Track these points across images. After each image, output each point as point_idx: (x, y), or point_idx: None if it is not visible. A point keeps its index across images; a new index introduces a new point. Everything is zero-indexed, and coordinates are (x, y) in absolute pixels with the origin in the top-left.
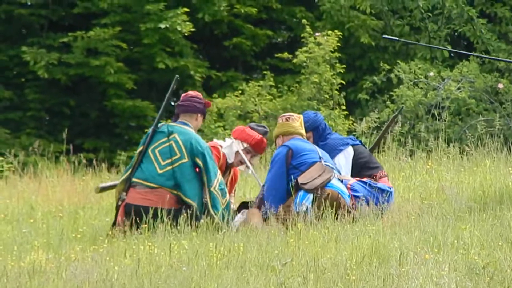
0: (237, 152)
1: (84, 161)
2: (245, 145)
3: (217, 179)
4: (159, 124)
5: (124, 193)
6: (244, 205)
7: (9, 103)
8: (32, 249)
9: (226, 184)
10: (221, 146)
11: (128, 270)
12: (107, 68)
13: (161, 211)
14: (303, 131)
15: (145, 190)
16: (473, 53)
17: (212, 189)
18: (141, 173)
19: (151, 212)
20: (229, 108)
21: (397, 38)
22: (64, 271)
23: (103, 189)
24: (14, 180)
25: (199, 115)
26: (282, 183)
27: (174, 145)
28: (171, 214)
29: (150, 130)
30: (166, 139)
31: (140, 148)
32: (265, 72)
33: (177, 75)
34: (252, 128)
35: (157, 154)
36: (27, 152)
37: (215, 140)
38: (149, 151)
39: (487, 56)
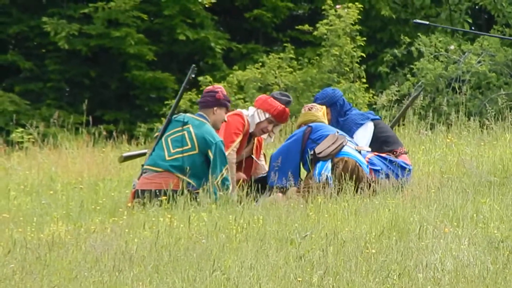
0: (259, 122)
1: (104, 132)
2: (267, 115)
3: (222, 174)
4: (176, 114)
5: (137, 180)
6: (260, 181)
7: (29, 74)
8: (52, 220)
9: (252, 151)
10: (246, 115)
11: (147, 242)
12: (128, 39)
13: (165, 193)
14: (325, 120)
15: (153, 174)
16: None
17: (215, 183)
18: (151, 160)
19: (155, 194)
20: (250, 80)
21: (427, 22)
22: (83, 243)
23: (126, 158)
24: (34, 151)
25: (215, 108)
26: (293, 155)
27: (186, 135)
28: (176, 195)
29: (166, 119)
30: (180, 128)
31: (156, 134)
32: (285, 44)
33: (193, 65)
34: (275, 98)
35: (169, 142)
36: (47, 123)
37: (238, 109)
38: (163, 138)
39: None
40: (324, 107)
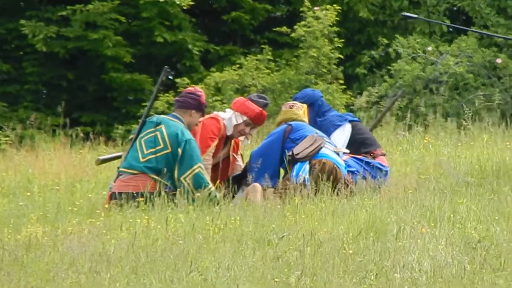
0: (236, 125)
1: (81, 134)
2: (245, 117)
3: (193, 170)
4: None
5: (113, 182)
6: (237, 179)
7: (7, 76)
8: (29, 222)
9: (229, 152)
10: (222, 118)
11: (124, 243)
12: (106, 42)
13: (142, 194)
14: (306, 119)
15: (129, 177)
16: (498, 35)
17: (182, 179)
18: (126, 162)
19: (132, 196)
20: (227, 82)
21: (416, 16)
22: (60, 244)
23: (103, 161)
24: (11, 153)
25: (193, 111)
26: (274, 154)
27: (159, 135)
28: (153, 197)
29: (141, 120)
30: (153, 129)
31: (131, 137)
32: (263, 46)
33: (166, 67)
34: (252, 100)
35: (143, 143)
36: (25, 125)
37: (215, 112)
38: (137, 140)
39: (502, 36)
40: (305, 105)
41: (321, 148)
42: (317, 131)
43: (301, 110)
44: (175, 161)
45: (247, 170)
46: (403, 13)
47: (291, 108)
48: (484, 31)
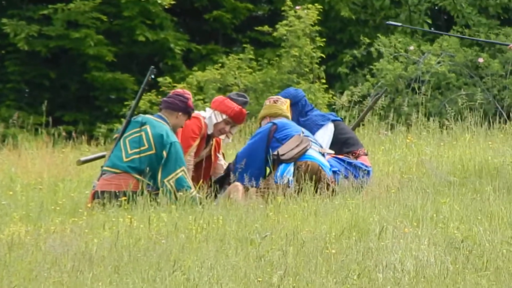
0: (216, 124)
1: (64, 133)
2: (224, 116)
3: (176, 174)
4: (135, 116)
5: (96, 181)
6: (220, 181)
7: None
8: (11, 221)
9: (211, 151)
10: (204, 117)
11: (107, 243)
12: (87, 41)
13: (125, 193)
14: (289, 115)
15: (112, 176)
16: (483, 39)
17: (165, 181)
18: (109, 161)
19: (114, 195)
20: (209, 81)
21: (400, 24)
22: (43, 243)
23: (84, 162)
24: None
25: (180, 113)
26: (259, 153)
27: (144, 136)
28: (136, 196)
29: (125, 120)
30: (138, 129)
31: (115, 136)
32: (245, 45)
33: (152, 66)
34: (231, 99)
35: (127, 143)
36: (7, 124)
37: (196, 111)
38: (121, 140)
39: (492, 41)
40: (288, 100)
41: (307, 150)
42: (303, 129)
43: (285, 105)
44: (159, 162)
45: (231, 170)
46: (387, 22)
47: (275, 102)
48: (472, 35)
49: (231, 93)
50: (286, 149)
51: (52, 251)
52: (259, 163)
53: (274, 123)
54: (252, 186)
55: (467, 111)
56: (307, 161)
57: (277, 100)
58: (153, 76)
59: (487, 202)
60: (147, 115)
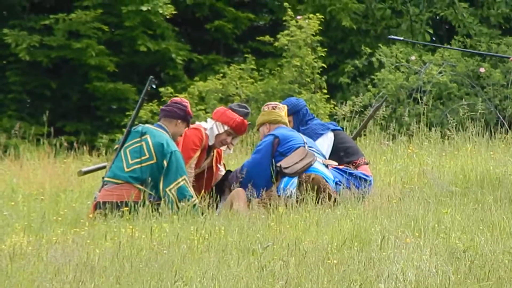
0: (217, 135)
1: (65, 144)
2: (226, 127)
3: (177, 183)
4: (135, 125)
5: (98, 192)
6: (219, 188)
7: None
8: (13, 231)
9: (212, 162)
10: (205, 128)
11: (109, 253)
12: (89, 51)
13: (127, 205)
14: (287, 120)
15: (113, 186)
16: (484, 52)
17: (167, 190)
18: (111, 172)
19: (116, 205)
20: (211, 91)
21: (402, 38)
22: (45, 254)
23: (86, 173)
24: None
25: (179, 121)
26: (266, 170)
27: (144, 146)
28: (137, 207)
29: (126, 130)
30: (138, 139)
31: (116, 146)
32: (246, 55)
33: (151, 76)
34: (233, 110)
35: (128, 153)
36: (9, 134)
37: (197, 122)
38: (122, 150)
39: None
40: (286, 106)
41: (311, 165)
42: (305, 139)
43: (283, 111)
44: (160, 172)
45: (232, 178)
46: (389, 36)
47: (273, 109)
48: (473, 45)
49: (232, 104)
50: (290, 163)
51: (54, 261)
52: (266, 177)
53: (276, 136)
54: (254, 197)
55: (468, 121)
56: (311, 174)
57: (275, 107)
58: (154, 86)
59: (488, 212)
60: (147, 125)
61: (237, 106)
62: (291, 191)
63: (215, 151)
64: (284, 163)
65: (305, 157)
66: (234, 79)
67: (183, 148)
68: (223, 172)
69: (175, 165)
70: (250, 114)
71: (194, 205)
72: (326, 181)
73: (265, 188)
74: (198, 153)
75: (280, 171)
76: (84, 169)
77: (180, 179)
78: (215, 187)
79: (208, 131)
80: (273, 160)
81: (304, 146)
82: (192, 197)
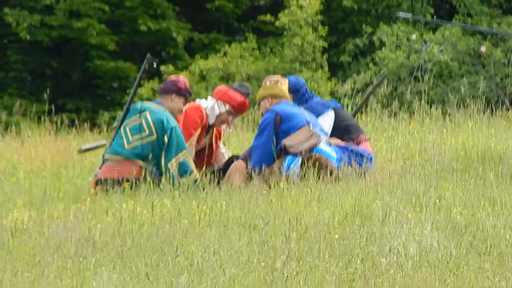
0: (219, 114)
1: (67, 121)
2: (228, 106)
3: (178, 158)
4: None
5: (98, 169)
6: (226, 169)
7: None
8: (15, 207)
9: (211, 142)
10: (205, 107)
11: (110, 228)
12: (90, 30)
13: (128, 180)
14: (288, 95)
15: (114, 163)
16: (495, 31)
17: (168, 165)
18: (111, 149)
19: (117, 182)
20: (212, 70)
21: (410, 15)
22: (46, 229)
23: (85, 151)
24: None
25: (173, 95)
26: (270, 149)
27: (144, 122)
28: (139, 183)
29: (125, 108)
30: (137, 116)
31: (115, 124)
32: (247, 34)
33: (148, 54)
34: (234, 89)
35: (127, 130)
36: (10, 112)
37: (197, 100)
38: (121, 128)
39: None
40: (287, 81)
41: (316, 146)
42: (308, 117)
43: (285, 87)
44: (161, 148)
45: (246, 159)
46: (397, 14)
47: (276, 83)
48: (474, 24)
49: (233, 83)
50: (295, 141)
51: (55, 236)
52: (272, 157)
53: (277, 113)
54: (256, 174)
55: (469, 99)
56: (315, 154)
57: (277, 81)
58: (154, 65)
59: (490, 187)
60: (145, 102)
61: (238, 85)
62: (295, 170)
63: (214, 129)
64: (288, 141)
65: (310, 137)
66: (235, 57)
67: (183, 126)
68: (223, 149)
69: (176, 141)
70: (252, 92)
71: (196, 181)
72: (330, 161)
73: (267, 165)
74: (198, 131)
75: (284, 149)
76: (84, 147)
77: (180, 154)
78: (221, 171)
79: (208, 110)
80: (274, 139)
81: (308, 125)
82: (193, 171)
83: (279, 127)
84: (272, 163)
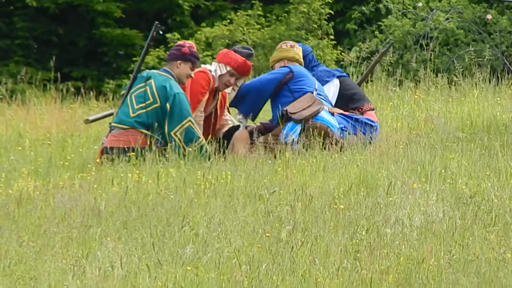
0: (220, 76)
1: (72, 89)
2: (228, 68)
3: (182, 125)
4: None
5: (105, 138)
6: (228, 136)
7: None
8: (20, 176)
9: (216, 108)
10: (210, 71)
11: (115, 198)
12: None
13: (134, 150)
14: (302, 62)
15: (119, 132)
16: None
17: (172, 133)
18: (117, 118)
19: (123, 151)
20: (218, 37)
21: None
22: (52, 198)
23: (92, 121)
24: (2, 107)
25: (179, 61)
26: (264, 92)
27: (148, 90)
28: (144, 152)
29: (132, 76)
30: (143, 84)
31: (122, 92)
32: (253, 1)
33: (156, 22)
34: (235, 51)
35: (133, 98)
36: (15, 79)
37: (203, 65)
38: (128, 96)
39: None
40: (301, 48)
41: (318, 113)
42: (316, 84)
43: (300, 51)
44: (165, 116)
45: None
46: None
47: (292, 47)
48: None
49: (235, 46)
50: (297, 108)
51: (61, 206)
52: (258, 103)
53: (291, 70)
54: (258, 139)
55: (475, 67)
56: (316, 123)
57: (293, 45)
58: (161, 33)
59: (495, 157)
60: (152, 70)
61: (240, 47)
62: (293, 138)
63: (220, 94)
64: (291, 108)
65: (312, 103)
66: (241, 25)
67: (191, 92)
68: (227, 116)
69: (179, 107)
70: (258, 60)
71: (202, 147)
72: (331, 130)
73: (252, 114)
74: (206, 96)
75: (286, 115)
76: (91, 117)
77: (185, 121)
78: (224, 138)
79: (212, 73)
80: (281, 94)
81: (313, 92)
82: (199, 138)
83: (287, 83)
84: (254, 102)
